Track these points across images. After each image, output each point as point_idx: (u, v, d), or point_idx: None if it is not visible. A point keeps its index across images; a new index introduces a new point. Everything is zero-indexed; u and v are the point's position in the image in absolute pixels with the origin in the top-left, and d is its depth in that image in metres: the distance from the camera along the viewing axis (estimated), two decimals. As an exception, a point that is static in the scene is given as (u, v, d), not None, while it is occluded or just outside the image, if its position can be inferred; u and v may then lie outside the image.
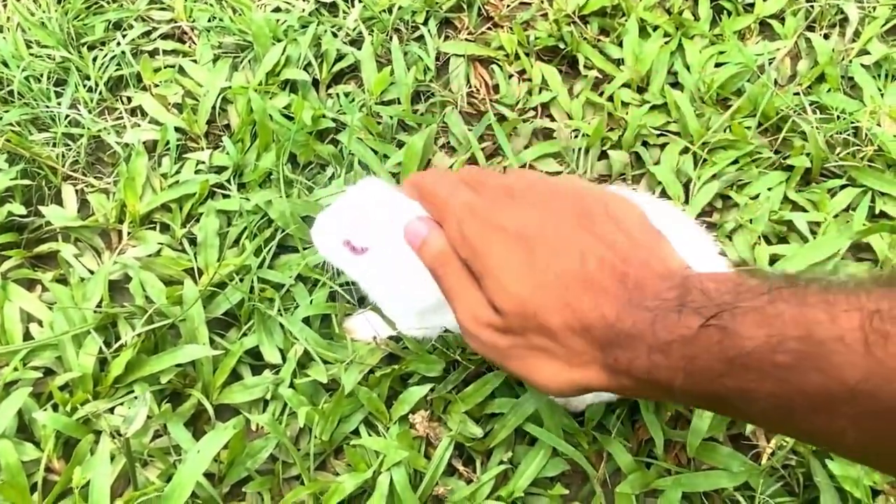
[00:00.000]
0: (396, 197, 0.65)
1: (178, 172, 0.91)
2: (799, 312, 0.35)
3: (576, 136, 0.94)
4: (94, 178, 0.92)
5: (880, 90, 0.97)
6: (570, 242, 0.46)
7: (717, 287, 0.39)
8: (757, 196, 0.88)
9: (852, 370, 0.33)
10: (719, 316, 0.37)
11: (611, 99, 0.97)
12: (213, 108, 0.96)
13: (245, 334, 0.79)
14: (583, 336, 0.43)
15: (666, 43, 1.01)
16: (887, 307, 0.33)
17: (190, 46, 1.04)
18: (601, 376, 0.44)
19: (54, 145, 0.93)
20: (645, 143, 0.94)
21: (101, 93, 0.98)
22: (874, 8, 1.05)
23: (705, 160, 0.90)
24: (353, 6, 1.06)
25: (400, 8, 1.04)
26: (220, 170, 0.91)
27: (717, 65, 0.99)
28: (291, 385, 0.75)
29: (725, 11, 1.06)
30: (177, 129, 0.94)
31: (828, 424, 0.35)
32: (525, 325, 0.46)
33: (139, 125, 0.96)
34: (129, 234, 0.87)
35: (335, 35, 1.02)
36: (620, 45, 1.02)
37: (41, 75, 0.99)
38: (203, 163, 0.92)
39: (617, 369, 0.42)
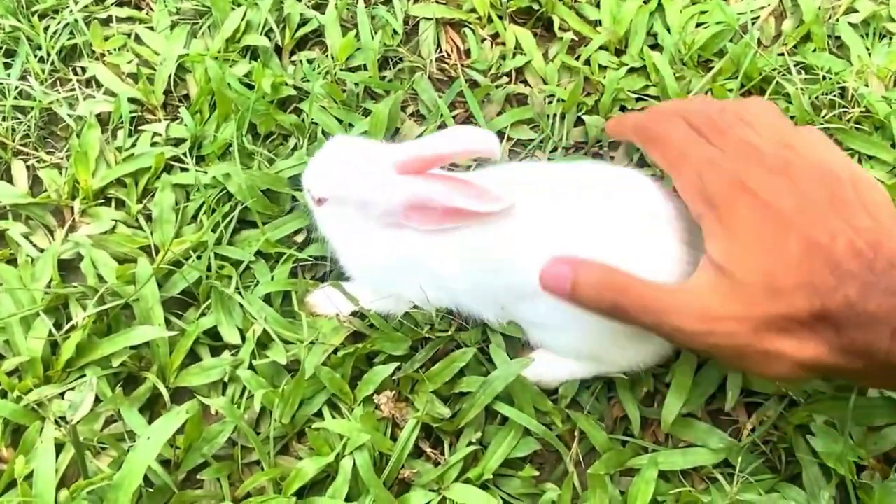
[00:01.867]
0: (361, 151, 0.68)
1: (133, 146, 0.87)
2: None
3: (550, 102, 0.89)
4: (46, 152, 0.88)
5: (868, 49, 0.93)
6: (822, 224, 0.46)
7: None
8: (739, 161, 0.84)
9: None
10: None
11: (587, 62, 0.93)
12: (171, 77, 0.91)
13: (203, 314, 0.76)
14: (821, 317, 0.44)
15: (645, 3, 0.96)
16: None
17: (147, 13, 0.99)
18: (835, 357, 0.45)
19: (3, 119, 0.89)
20: (623, 108, 0.90)
21: (52, 63, 0.93)
22: (863, -36, 1.01)
23: (685, 125, 0.86)
24: (317, -32, 1.01)
25: (367, -31, 0.99)
26: (177, 142, 0.87)
27: (699, 25, 0.95)
28: (251, 366, 0.72)
29: (708, -31, 1.02)
30: (132, 101, 0.90)
31: None
32: (769, 304, 0.46)
33: (93, 97, 0.91)
34: (81, 210, 0.83)
35: (299, -1, 0.97)
36: (598, 5, 0.97)
37: (-11, 46, 0.94)
38: (160, 135, 0.87)
39: (854, 351, 0.44)
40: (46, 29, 0.96)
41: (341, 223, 0.70)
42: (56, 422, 0.68)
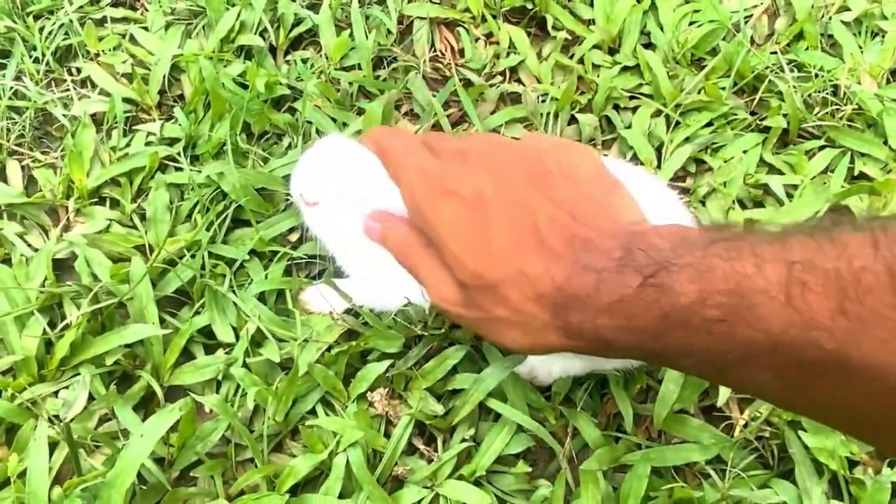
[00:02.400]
0: (351, 154, 0.68)
1: (127, 145, 0.87)
2: (730, 266, 0.35)
3: (544, 101, 0.90)
4: (41, 152, 0.88)
5: (860, 47, 0.93)
6: (521, 205, 0.45)
7: (661, 243, 0.39)
8: (731, 159, 0.85)
9: (776, 321, 0.33)
10: (656, 275, 0.37)
11: (581, 61, 0.93)
12: (165, 77, 0.91)
13: (197, 312, 0.76)
14: (536, 302, 0.43)
15: (638, 2, 0.97)
16: (807, 257, 0.33)
17: (141, 13, 0.99)
18: (559, 338, 0.44)
19: (-2, 119, 0.89)
20: (616, 107, 0.90)
21: (47, 63, 0.93)
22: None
23: (678, 123, 0.87)
24: (312, -31, 1.01)
25: (361, -31, 0.99)
26: (172, 142, 0.87)
27: (692, 23, 0.95)
28: (245, 364, 0.72)
29: (701, -32, 1.02)
30: (127, 100, 0.90)
31: (754, 376, 0.36)
32: (486, 299, 0.45)
33: (88, 97, 0.91)
34: (76, 210, 0.83)
35: (293, -1, 0.98)
36: (591, 4, 0.98)
37: (-16, 46, 0.94)
38: (154, 135, 0.87)
39: (569, 331, 0.43)
40: (41, 29, 0.96)
41: (333, 224, 0.69)
42: (50, 420, 0.68)
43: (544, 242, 0.44)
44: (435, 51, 0.96)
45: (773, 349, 0.33)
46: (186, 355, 0.74)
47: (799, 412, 0.42)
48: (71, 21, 0.96)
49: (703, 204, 0.82)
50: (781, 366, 0.34)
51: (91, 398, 0.70)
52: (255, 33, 0.93)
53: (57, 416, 0.68)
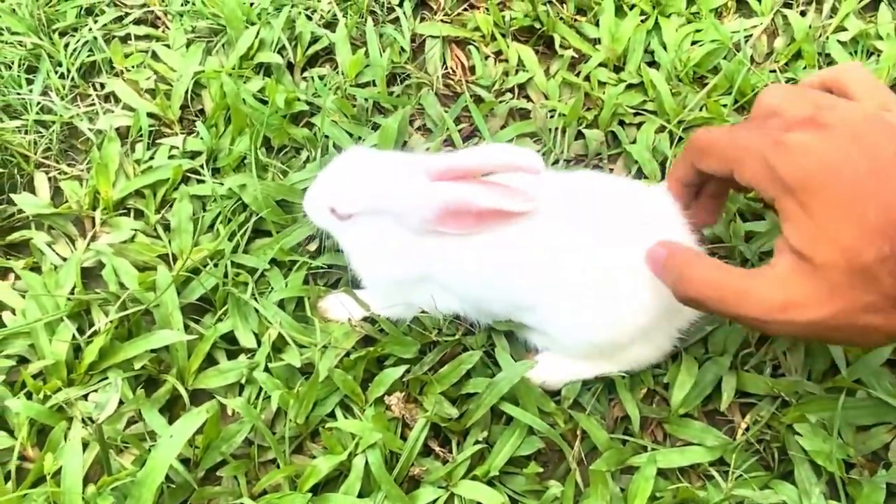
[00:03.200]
0: (375, 164, 0.69)
1: (151, 158, 0.90)
2: None
3: (552, 116, 0.93)
4: (67, 165, 0.91)
5: (856, 66, 0.96)
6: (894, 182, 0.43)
7: None
8: (733, 173, 0.88)
9: None
10: None
11: (587, 78, 0.97)
12: (187, 93, 0.95)
13: (220, 319, 0.79)
14: None
15: (643, 21, 1.00)
16: None
17: (163, 31, 1.03)
18: None
19: (26, 132, 0.92)
20: (621, 123, 0.93)
21: (73, 79, 0.97)
22: (851, -16, 1.05)
23: (681, 138, 0.90)
24: (327, -12, 1.05)
25: (375, -10, 1.03)
26: (194, 155, 0.91)
27: (694, 43, 0.99)
28: (267, 369, 0.75)
29: (702, -11, 1.06)
30: (150, 115, 0.93)
31: None
32: (854, 281, 0.42)
33: (112, 111, 0.95)
34: (102, 220, 0.86)
35: (309, 18, 1.01)
36: (597, 24, 1.01)
37: (12, 62, 0.98)
38: (177, 148, 0.91)
39: None
40: (66, 46, 0.99)
41: (368, 236, 0.70)
42: (83, 421, 0.71)
43: None
44: (447, 68, 0.99)
45: None
46: (210, 360, 0.77)
47: None
48: (95, 38, 0.99)
49: (706, 216, 0.85)
50: None
51: (120, 401, 0.73)
52: (273, 51, 0.97)
53: (89, 418, 0.71)
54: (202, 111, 0.96)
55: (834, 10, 1.03)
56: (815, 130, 0.47)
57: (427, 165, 0.66)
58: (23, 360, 0.77)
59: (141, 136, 0.91)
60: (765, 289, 0.46)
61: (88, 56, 0.99)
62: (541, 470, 0.71)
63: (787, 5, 1.04)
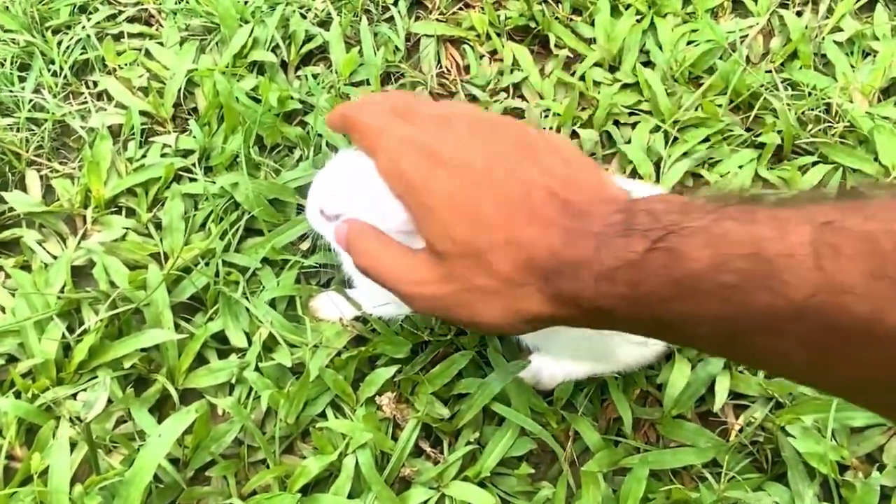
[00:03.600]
0: (368, 168, 0.67)
1: (143, 157, 0.90)
2: (747, 230, 0.33)
3: (546, 116, 0.93)
4: (59, 163, 0.91)
5: (852, 67, 0.96)
6: (515, 173, 0.44)
7: (665, 207, 0.37)
8: (728, 174, 0.88)
9: (801, 286, 0.31)
10: (666, 238, 0.35)
11: (582, 78, 0.96)
12: (180, 91, 0.94)
13: (211, 318, 0.78)
14: (527, 269, 0.42)
15: (638, 21, 1.00)
16: (839, 217, 0.31)
17: (157, 29, 1.02)
18: (547, 307, 0.42)
19: (18, 130, 0.92)
20: (616, 122, 0.93)
21: (65, 77, 0.96)
22: (848, -16, 1.05)
23: (676, 138, 0.90)
24: (322, -13, 1.04)
25: (370, -12, 1.03)
26: (186, 153, 0.90)
27: (689, 43, 0.99)
28: (257, 368, 0.75)
29: (698, -11, 1.05)
30: (143, 113, 0.93)
31: (774, 345, 0.33)
32: (468, 267, 0.44)
33: (104, 109, 0.94)
34: (93, 219, 0.85)
35: (303, 16, 1.01)
36: (592, 23, 1.01)
37: (4, 60, 0.97)
38: (169, 146, 0.90)
39: (562, 299, 0.41)
40: (59, 44, 0.99)
41: None
42: (70, 420, 0.70)
43: (536, 209, 0.42)
44: (441, 67, 0.99)
45: (798, 315, 0.31)
46: (200, 360, 0.76)
47: (818, 385, 0.38)
48: (88, 36, 0.99)
49: (700, 217, 0.85)
50: (805, 333, 0.32)
51: (109, 400, 0.72)
52: (267, 49, 0.96)
53: (77, 417, 0.70)
54: (195, 109, 0.95)
55: (830, 11, 1.02)
56: (441, 128, 0.48)
57: None
58: (12, 359, 0.76)
59: (133, 134, 0.91)
60: (408, 265, 0.48)
61: (81, 54, 0.98)
62: (532, 471, 0.71)
63: (784, 5, 1.04)
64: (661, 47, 0.98)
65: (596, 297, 0.39)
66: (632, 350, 0.70)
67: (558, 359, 0.72)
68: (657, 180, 0.87)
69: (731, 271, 0.33)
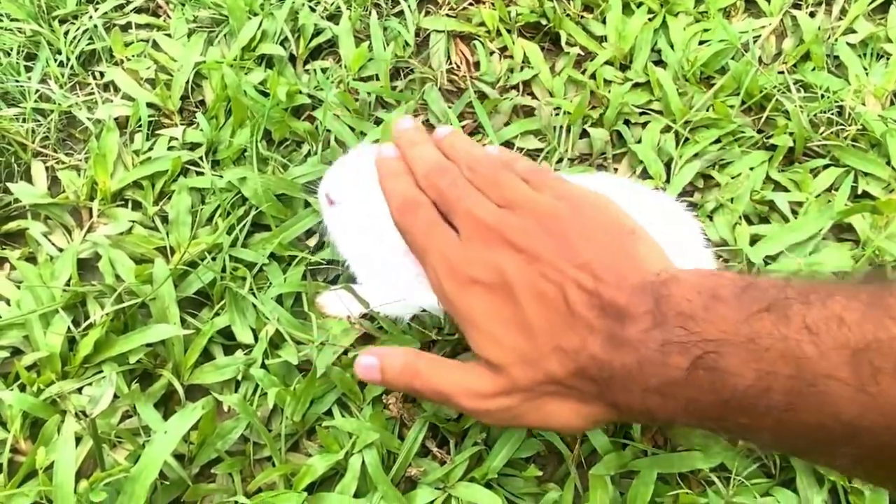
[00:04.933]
0: (370, 154, 0.69)
1: (150, 149, 0.89)
2: (785, 347, 0.34)
3: (557, 114, 0.92)
4: (65, 154, 0.90)
5: (865, 69, 0.96)
6: (547, 279, 0.44)
7: (689, 306, 0.38)
8: (739, 175, 0.87)
9: (849, 407, 0.32)
10: (705, 357, 0.36)
11: (593, 77, 0.96)
12: (187, 83, 0.93)
13: (217, 314, 0.78)
14: (579, 376, 0.43)
15: (650, 20, 0.99)
16: (870, 334, 0.31)
17: (164, 20, 1.02)
18: (609, 412, 0.43)
19: (24, 121, 0.91)
20: (627, 122, 0.92)
21: (72, 67, 0.96)
22: (861, -14, 1.04)
23: (687, 139, 0.89)
24: (331, -20, 1.04)
25: (380, -18, 1.02)
26: (193, 146, 0.89)
27: (701, 42, 0.98)
28: (263, 365, 0.74)
29: (711, -12, 1.04)
30: (150, 105, 0.92)
31: (831, 460, 0.35)
32: (529, 375, 0.44)
33: (111, 101, 0.94)
34: (99, 211, 0.85)
35: (313, 10, 1.00)
36: (604, 21, 1.00)
37: (11, 49, 0.96)
38: (176, 139, 0.90)
39: (620, 408, 0.42)
40: (66, 34, 0.98)
41: (351, 223, 0.71)
42: (76, 415, 0.70)
43: (575, 315, 0.43)
44: (451, 63, 0.98)
45: (852, 437, 0.32)
46: (206, 355, 0.76)
47: (876, 485, 0.40)
48: (95, 26, 0.98)
49: (711, 219, 0.84)
50: (858, 455, 0.33)
51: (114, 395, 0.72)
52: (276, 42, 0.96)
53: (83, 412, 0.70)
54: (202, 102, 0.94)
55: (843, 12, 1.02)
56: (474, 238, 0.49)
57: None
58: (17, 352, 0.76)
59: (140, 126, 0.90)
60: (463, 380, 0.48)
61: (88, 44, 0.98)
62: (539, 473, 0.70)
63: (797, 6, 1.03)
64: (672, 46, 0.97)
65: (649, 409, 0.40)
66: None
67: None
68: (667, 181, 0.87)
69: (778, 392, 0.34)
